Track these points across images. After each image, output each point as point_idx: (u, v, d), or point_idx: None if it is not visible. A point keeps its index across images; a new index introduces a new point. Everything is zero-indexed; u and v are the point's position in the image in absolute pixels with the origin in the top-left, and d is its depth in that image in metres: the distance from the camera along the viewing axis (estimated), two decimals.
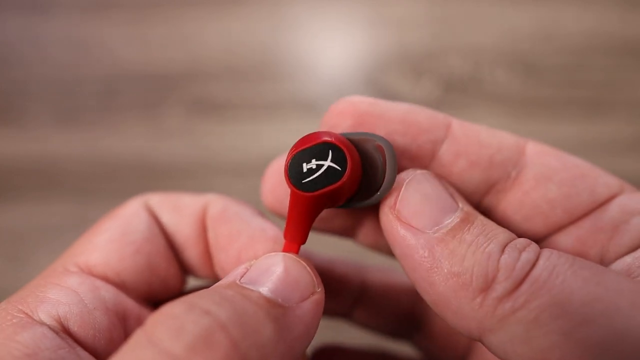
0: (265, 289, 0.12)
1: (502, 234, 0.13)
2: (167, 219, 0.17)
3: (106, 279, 0.15)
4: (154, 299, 0.16)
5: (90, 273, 0.15)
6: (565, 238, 0.15)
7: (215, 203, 0.17)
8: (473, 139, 0.15)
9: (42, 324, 0.13)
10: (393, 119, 0.15)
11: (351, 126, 0.15)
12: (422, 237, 0.13)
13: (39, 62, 0.46)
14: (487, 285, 0.12)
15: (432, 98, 0.42)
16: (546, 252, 0.12)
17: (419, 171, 0.15)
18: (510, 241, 0.13)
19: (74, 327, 0.13)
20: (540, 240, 0.16)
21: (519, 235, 0.15)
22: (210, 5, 0.45)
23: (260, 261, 0.14)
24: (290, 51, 0.44)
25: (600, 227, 0.14)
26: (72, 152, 0.43)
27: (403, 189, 0.14)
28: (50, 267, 0.15)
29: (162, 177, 0.42)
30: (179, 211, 0.17)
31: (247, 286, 0.12)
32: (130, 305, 0.15)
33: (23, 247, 0.42)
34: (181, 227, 0.17)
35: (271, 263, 0.13)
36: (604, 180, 0.15)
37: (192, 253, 0.17)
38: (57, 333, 0.13)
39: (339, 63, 0.44)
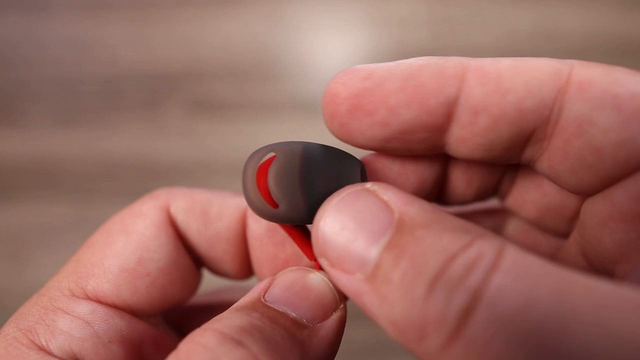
0: (289, 310, 0.12)
1: (434, 258, 0.10)
2: (197, 230, 0.15)
3: (116, 307, 0.14)
4: (166, 316, 0.16)
5: (99, 302, 0.14)
6: (621, 193, 0.12)
7: (256, 218, 0.15)
8: (492, 87, 0.12)
9: (60, 359, 0.12)
10: (392, 89, 0.12)
11: (349, 110, 0.13)
12: (352, 282, 0.11)
13: (40, 62, 0.46)
14: (421, 336, 0.10)
15: None
16: (490, 294, 0.09)
17: (334, 200, 0.12)
18: (445, 267, 0.10)
19: None
20: (594, 193, 0.13)
21: (570, 190, 0.13)
22: (210, 5, 0.45)
23: (282, 277, 0.13)
24: (291, 51, 0.44)
25: None
26: (72, 152, 0.43)
27: (319, 229, 0.12)
28: (54, 285, 0.14)
29: (162, 177, 0.42)
30: (212, 223, 0.15)
31: (272, 305, 0.12)
32: (144, 329, 0.14)
33: (23, 247, 0.42)
34: (216, 241, 0.15)
35: (293, 280, 0.13)
36: None
37: (227, 265, 0.16)
38: None
39: (339, 63, 0.44)
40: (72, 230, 0.41)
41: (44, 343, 0.12)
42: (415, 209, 0.11)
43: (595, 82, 0.11)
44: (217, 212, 0.15)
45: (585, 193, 0.13)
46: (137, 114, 0.44)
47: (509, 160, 0.14)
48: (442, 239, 0.10)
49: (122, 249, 0.14)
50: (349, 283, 0.11)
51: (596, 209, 0.13)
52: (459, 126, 0.13)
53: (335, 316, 0.13)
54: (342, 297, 0.13)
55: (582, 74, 0.12)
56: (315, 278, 0.13)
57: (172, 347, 0.14)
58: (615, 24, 0.42)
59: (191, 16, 0.45)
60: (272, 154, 0.12)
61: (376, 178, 0.15)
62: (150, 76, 0.44)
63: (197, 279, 0.16)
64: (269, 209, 0.12)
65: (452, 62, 0.12)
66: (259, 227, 0.15)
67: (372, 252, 0.11)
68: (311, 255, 0.14)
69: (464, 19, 0.43)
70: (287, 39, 0.44)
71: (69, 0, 0.46)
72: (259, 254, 0.15)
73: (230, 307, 0.13)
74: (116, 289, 0.14)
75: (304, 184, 0.12)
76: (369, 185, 0.12)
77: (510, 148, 0.13)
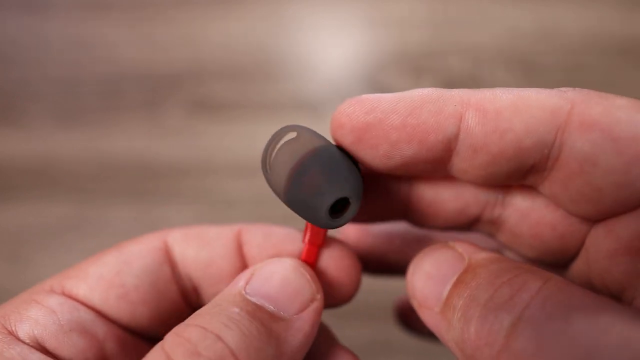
0: (267, 303, 0.13)
1: (486, 287, 0.12)
2: (194, 253, 0.16)
3: (87, 306, 0.15)
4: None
5: (71, 298, 0.15)
6: (624, 229, 0.12)
7: (250, 232, 0.16)
8: (491, 127, 0.12)
9: (25, 342, 0.13)
10: (393, 125, 0.13)
11: (353, 142, 0.14)
12: (432, 316, 0.13)
13: (40, 61, 0.46)
14: (476, 349, 0.12)
15: None
16: (532, 315, 0.11)
17: (421, 254, 0.15)
18: (494, 294, 0.12)
19: (50, 347, 0.14)
20: (595, 220, 0.14)
21: (572, 214, 0.14)
22: (211, 5, 0.45)
23: (262, 269, 0.14)
24: (291, 51, 0.44)
25: None
26: (72, 152, 0.43)
27: (410, 278, 0.15)
28: (43, 282, 0.15)
29: (162, 177, 0.42)
30: (208, 244, 0.16)
31: (251, 299, 0.13)
32: (110, 327, 0.15)
33: (23, 247, 0.42)
34: (213, 260, 0.16)
35: (272, 272, 0.14)
36: None
37: (224, 285, 0.16)
38: (38, 351, 0.13)
39: (339, 62, 0.44)
40: (72, 230, 0.41)
41: (13, 328, 0.13)
42: (481, 256, 0.14)
43: (596, 123, 0.11)
44: (212, 235, 0.16)
45: (586, 219, 0.14)
46: (138, 113, 0.44)
47: (511, 183, 0.14)
48: (495, 272, 0.12)
49: (108, 261, 0.15)
50: (430, 317, 0.14)
51: (602, 243, 0.13)
52: (459, 159, 0.13)
53: (311, 308, 0.14)
54: (318, 289, 0.14)
55: (582, 113, 0.12)
56: (293, 270, 0.14)
57: (138, 347, 0.15)
58: (614, 24, 0.42)
59: (192, 16, 0.45)
60: (294, 134, 0.14)
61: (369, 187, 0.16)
62: (151, 76, 0.44)
63: (175, 311, 0.16)
64: (265, 169, 0.14)
65: (453, 100, 0.13)
66: (254, 239, 0.16)
67: (445, 290, 0.13)
68: (305, 238, 0.15)
69: (464, 19, 0.43)
70: (287, 39, 0.44)
71: (69, 0, 0.46)
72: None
73: (213, 300, 0.14)
74: (89, 292, 0.15)
75: (296, 170, 0.13)
76: (449, 243, 0.15)
77: (510, 177, 0.13)
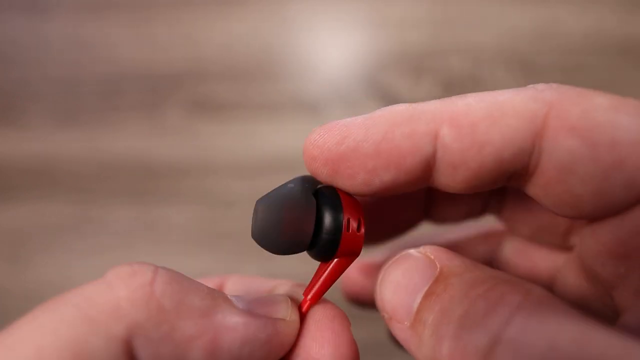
0: (235, 298, 0.12)
1: (459, 301, 0.11)
2: (236, 293, 0.17)
3: None
4: None
5: None
6: (606, 234, 0.12)
7: (280, 285, 0.16)
8: (468, 142, 0.12)
9: None
10: (367, 154, 0.12)
11: (329, 175, 0.13)
12: (402, 330, 0.12)
13: (40, 61, 0.46)
14: None
15: (431, 97, 0.42)
16: (512, 335, 0.10)
17: (389, 262, 0.14)
18: (469, 309, 0.11)
19: None
20: (577, 223, 0.13)
21: (557, 214, 0.13)
22: (211, 5, 0.45)
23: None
24: (291, 51, 0.44)
25: None
26: (72, 152, 0.43)
27: (378, 288, 0.14)
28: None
29: (162, 177, 0.42)
30: (249, 289, 0.17)
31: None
32: None
33: (23, 247, 0.42)
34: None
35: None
36: None
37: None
38: None
39: (339, 62, 0.44)
40: (72, 230, 0.41)
41: None
42: (455, 263, 0.13)
43: (574, 128, 0.11)
44: (257, 282, 0.17)
45: (571, 218, 0.13)
46: (138, 113, 0.44)
47: (496, 187, 0.14)
48: (469, 283, 0.12)
49: None
50: (400, 332, 0.13)
51: (588, 242, 0.13)
52: (439, 175, 0.13)
53: (273, 320, 0.12)
54: (296, 317, 0.13)
55: (559, 116, 0.11)
56: (281, 295, 0.14)
57: None
58: (614, 24, 0.42)
59: (192, 17, 0.45)
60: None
61: (370, 205, 0.17)
62: (151, 76, 0.44)
63: None
64: None
65: (425, 117, 0.12)
66: (278, 290, 0.16)
67: (416, 302, 0.12)
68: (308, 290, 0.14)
69: (464, 19, 0.43)
70: (288, 39, 0.44)
71: (69, 0, 0.46)
72: None
73: None
74: None
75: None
76: (420, 248, 0.14)
77: (493, 184, 0.13)
